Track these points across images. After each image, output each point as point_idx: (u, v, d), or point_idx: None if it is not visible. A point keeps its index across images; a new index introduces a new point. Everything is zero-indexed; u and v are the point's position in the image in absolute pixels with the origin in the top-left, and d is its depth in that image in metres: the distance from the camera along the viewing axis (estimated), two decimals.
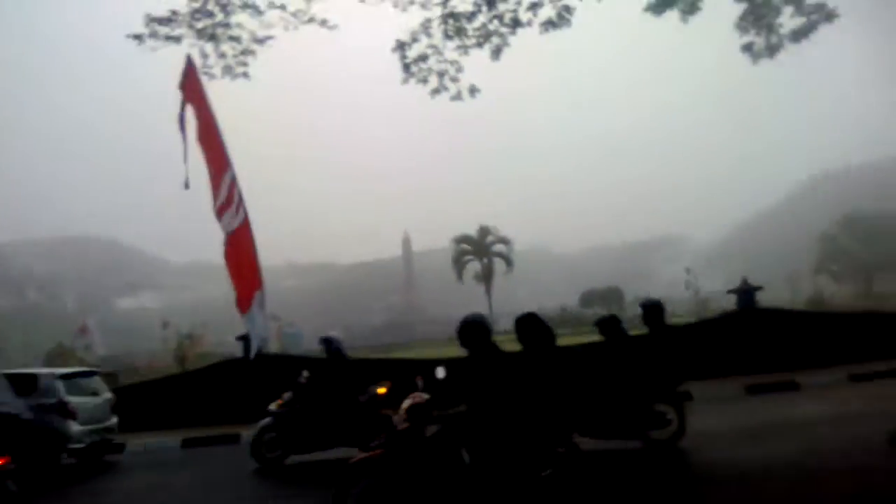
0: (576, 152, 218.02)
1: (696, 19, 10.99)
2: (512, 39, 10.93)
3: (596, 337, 9.54)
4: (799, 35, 10.60)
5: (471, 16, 10.49)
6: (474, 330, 5.47)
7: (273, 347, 28.85)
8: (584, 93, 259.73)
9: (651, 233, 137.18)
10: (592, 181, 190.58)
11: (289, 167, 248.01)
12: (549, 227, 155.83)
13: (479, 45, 10.86)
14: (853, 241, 63.77)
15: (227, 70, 11.12)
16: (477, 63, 11.35)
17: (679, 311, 58.93)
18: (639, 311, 9.60)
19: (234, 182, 10.23)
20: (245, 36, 10.86)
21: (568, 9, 10.30)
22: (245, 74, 11.22)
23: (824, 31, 10.80)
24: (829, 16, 10.55)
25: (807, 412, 10.24)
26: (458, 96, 11.30)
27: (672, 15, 10.89)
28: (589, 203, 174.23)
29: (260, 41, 10.97)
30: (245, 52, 11.03)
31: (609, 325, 8.98)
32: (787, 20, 10.75)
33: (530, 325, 6.46)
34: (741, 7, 10.66)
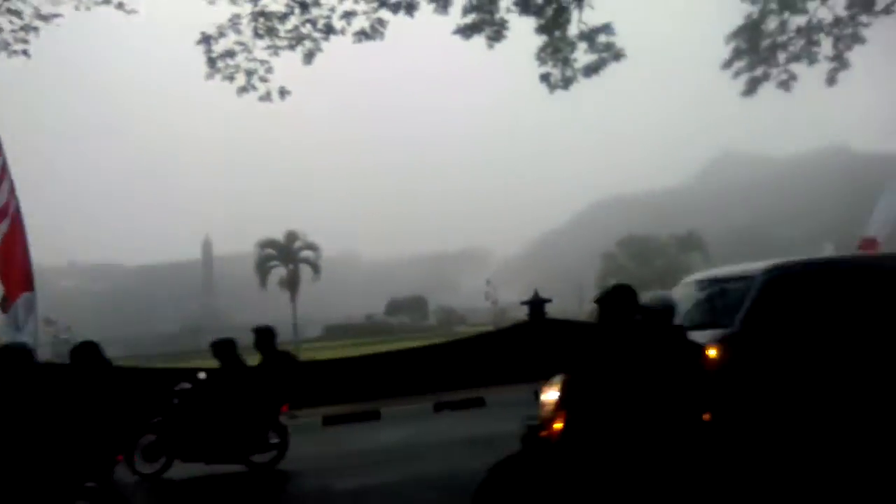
0: (387, 162, 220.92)
1: (501, 46, 11.64)
2: (327, 45, 10.85)
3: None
4: (590, 70, 11.55)
5: (283, 17, 10.25)
6: (10, 357, 5.39)
7: (45, 355, 25.87)
8: (399, 103, 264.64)
9: (457, 245, 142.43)
10: (403, 191, 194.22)
11: (75, 160, 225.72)
12: (359, 234, 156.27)
13: (291, 47, 10.64)
14: (630, 259, 71.10)
15: (4, 46, 9.96)
16: (292, 64, 11.11)
17: (480, 320, 62.00)
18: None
19: (4, 169, 9.11)
20: (27, 11, 9.79)
21: (382, 22, 10.43)
22: (25, 52, 10.12)
23: (614, 69, 11.92)
24: (618, 55, 11.65)
25: None
26: (266, 97, 10.98)
27: (481, 39, 11.44)
28: (399, 212, 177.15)
29: (45, 18, 9.94)
30: (26, 28, 9.93)
31: (223, 349, 8.83)
32: (582, 55, 11.73)
33: (83, 354, 6.37)
34: (542, 39, 11.42)
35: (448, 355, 17.09)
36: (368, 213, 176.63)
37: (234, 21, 10.32)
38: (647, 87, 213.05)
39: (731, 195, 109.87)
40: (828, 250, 54.46)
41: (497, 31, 10.95)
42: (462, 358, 16.78)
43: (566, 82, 11.65)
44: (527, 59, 11.96)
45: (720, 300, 8.44)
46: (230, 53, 10.61)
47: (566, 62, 11.48)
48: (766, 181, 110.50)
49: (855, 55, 12.89)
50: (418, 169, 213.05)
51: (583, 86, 12.25)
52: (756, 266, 8.39)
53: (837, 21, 12.51)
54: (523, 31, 11.67)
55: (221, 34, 10.40)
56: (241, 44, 10.54)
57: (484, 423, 11.04)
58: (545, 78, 11.70)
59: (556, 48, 11.35)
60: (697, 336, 7.85)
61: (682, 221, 77.22)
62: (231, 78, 10.84)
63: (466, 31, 10.89)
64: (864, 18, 12.49)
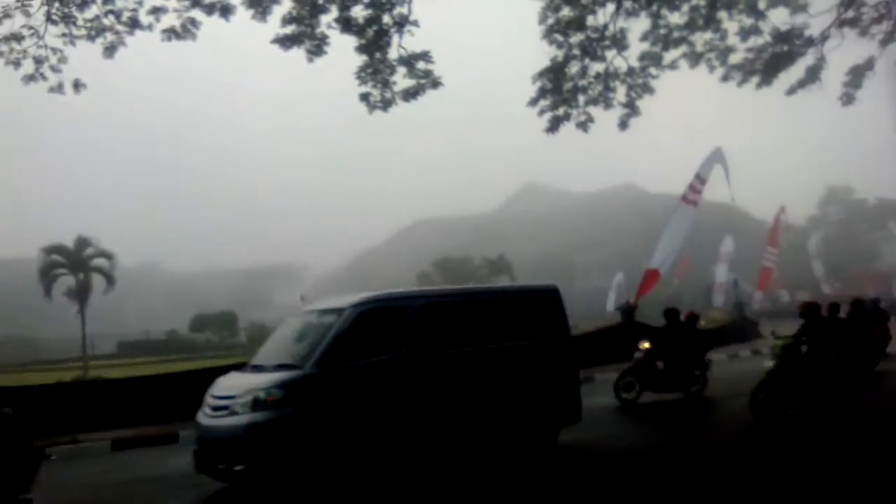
0: (195, 170, 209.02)
1: (326, 61, 11.53)
2: (133, 39, 10.10)
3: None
4: (409, 95, 11.79)
5: (81, 4, 9.39)
6: None
7: None
8: (213, 108, 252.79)
9: (270, 259, 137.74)
10: (213, 202, 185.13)
11: None
12: (162, 244, 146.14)
13: (91, 38, 9.78)
14: (445, 280, 73.21)
15: None
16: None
17: None
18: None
19: None
20: None
21: (194, 22, 9.91)
22: None
23: (436, 95, 12.23)
24: (436, 83, 11.98)
25: None
26: (58, 89, 10.00)
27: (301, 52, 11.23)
28: (207, 224, 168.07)
29: None
30: None
31: None
32: (401, 79, 11.93)
33: None
34: (363, 59, 11.47)
35: None
36: (172, 223, 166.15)
37: (24, 2, 9.29)
38: (466, 116, 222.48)
39: (536, 223, 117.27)
40: (619, 278, 59.97)
41: (318, 46, 10.83)
42: None
43: (385, 104, 11.79)
44: (351, 76, 11.98)
45: (307, 336, 8.11)
46: (17, 37, 9.53)
47: (386, 84, 11.62)
48: (566, 212, 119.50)
49: (644, 104, 14.35)
50: (230, 179, 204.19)
51: (403, 108, 12.50)
52: (347, 299, 8.17)
53: (631, 71, 13.87)
54: (347, 49, 11.67)
55: (7, 14, 9.31)
56: (30, 27, 9.51)
57: None
58: (365, 97, 11.77)
59: (376, 69, 11.46)
60: (263, 379, 7.36)
61: (493, 245, 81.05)
62: (17, 64, 9.74)
63: (285, 42, 10.66)
64: (653, 71, 13.98)
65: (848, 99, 15.17)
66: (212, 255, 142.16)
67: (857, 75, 14.98)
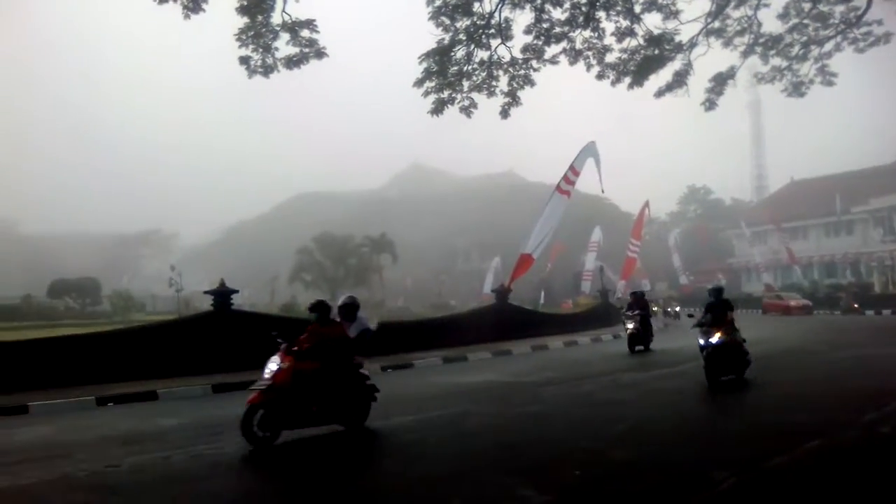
0: (58, 125, 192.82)
1: (209, 23, 11.08)
2: None
3: None
4: (292, 63, 11.58)
5: None
6: None
7: None
8: (83, 66, 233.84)
9: (138, 226, 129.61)
10: (75, 163, 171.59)
11: None
12: (14, 204, 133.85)
13: None
14: (324, 256, 72.22)
15: None
16: None
17: (163, 309, 57.68)
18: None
19: None
20: None
21: None
22: None
23: (326, 67, 12.01)
24: (320, 53, 11.82)
25: None
26: None
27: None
28: (69, 185, 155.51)
29: None
30: None
31: None
32: (284, 46, 11.67)
33: None
34: (244, 21, 11.10)
35: (120, 344, 15.75)
36: (30, 182, 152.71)
37: None
38: (353, 91, 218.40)
39: (419, 204, 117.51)
40: (496, 262, 61.59)
41: (194, 2, 10.36)
42: (137, 347, 15.62)
43: (266, 70, 11.52)
44: (232, 36, 11.50)
45: None
46: None
47: (267, 49, 11.35)
48: (449, 195, 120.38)
49: (526, 94, 14.79)
50: (94, 140, 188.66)
51: (287, 76, 12.20)
52: None
53: (514, 62, 14.26)
54: (230, 7, 11.20)
55: None
56: None
57: (149, 419, 10.38)
58: (245, 61, 11.45)
59: (257, 33, 11.14)
60: None
61: (375, 224, 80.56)
62: None
63: None
64: (535, 64, 14.44)
65: (710, 104, 16.35)
66: (72, 217, 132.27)
67: (720, 83, 16.18)
